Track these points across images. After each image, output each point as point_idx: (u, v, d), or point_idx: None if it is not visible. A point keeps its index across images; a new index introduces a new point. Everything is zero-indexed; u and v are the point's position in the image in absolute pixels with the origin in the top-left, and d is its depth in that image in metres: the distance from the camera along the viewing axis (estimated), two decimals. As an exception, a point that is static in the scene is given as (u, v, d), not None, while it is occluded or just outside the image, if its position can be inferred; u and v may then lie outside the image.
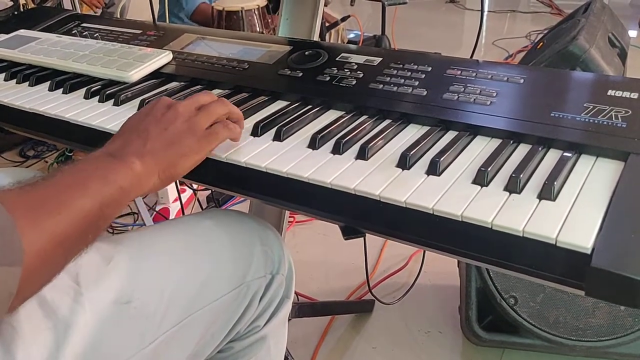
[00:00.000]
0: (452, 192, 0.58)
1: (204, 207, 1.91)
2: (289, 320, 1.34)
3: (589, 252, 0.48)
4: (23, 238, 0.46)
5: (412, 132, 0.71)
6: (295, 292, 1.50)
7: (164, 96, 0.72)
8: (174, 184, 1.74)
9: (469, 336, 1.31)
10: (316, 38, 1.08)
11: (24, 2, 1.92)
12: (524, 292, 1.19)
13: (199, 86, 0.89)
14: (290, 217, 1.86)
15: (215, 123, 0.67)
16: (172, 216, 1.91)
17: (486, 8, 4.41)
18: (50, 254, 0.50)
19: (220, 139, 0.67)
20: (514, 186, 0.56)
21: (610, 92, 0.68)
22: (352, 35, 2.92)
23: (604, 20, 1.35)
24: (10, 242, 0.45)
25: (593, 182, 0.57)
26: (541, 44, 1.44)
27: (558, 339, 1.20)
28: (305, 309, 1.38)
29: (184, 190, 1.95)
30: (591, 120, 0.64)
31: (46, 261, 0.49)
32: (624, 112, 0.64)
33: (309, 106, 0.79)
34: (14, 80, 0.98)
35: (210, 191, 1.97)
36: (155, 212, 1.91)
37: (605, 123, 0.63)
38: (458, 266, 1.38)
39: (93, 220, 0.54)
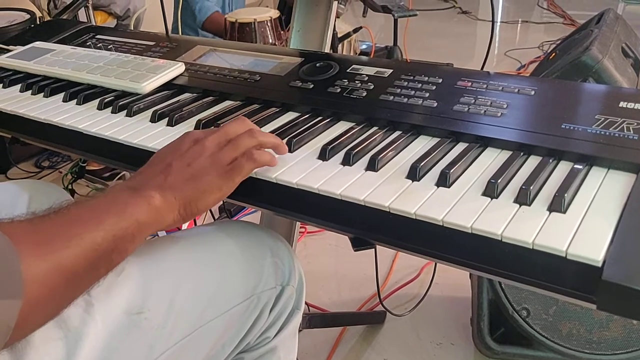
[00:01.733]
0: (462, 203, 0.57)
1: (216, 218, 1.92)
2: (300, 331, 1.34)
3: (599, 265, 0.48)
4: (27, 270, 0.46)
5: (422, 144, 0.71)
6: (306, 303, 1.51)
7: (194, 130, 0.70)
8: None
9: (480, 348, 1.30)
10: (327, 50, 1.08)
11: (41, 15, 1.95)
12: (536, 304, 1.18)
13: (210, 98, 0.90)
14: (301, 227, 1.86)
15: (240, 157, 0.65)
16: (184, 227, 1.92)
17: (499, 19, 4.40)
18: (56, 286, 0.49)
19: (244, 173, 0.65)
20: (524, 198, 0.56)
21: (622, 104, 0.68)
22: (364, 47, 2.93)
23: (617, 30, 1.34)
24: (11, 275, 0.45)
25: (604, 194, 0.56)
26: (554, 54, 1.43)
27: (571, 351, 1.18)
28: (316, 319, 1.38)
29: (196, 201, 1.96)
30: (602, 132, 0.64)
31: (51, 294, 0.49)
32: (635, 124, 0.64)
33: (320, 117, 0.79)
34: (30, 92, 0.99)
35: (222, 201, 1.97)
36: (167, 222, 1.91)
37: (616, 135, 0.63)
38: (470, 278, 1.37)
39: (105, 253, 0.54)
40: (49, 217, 0.53)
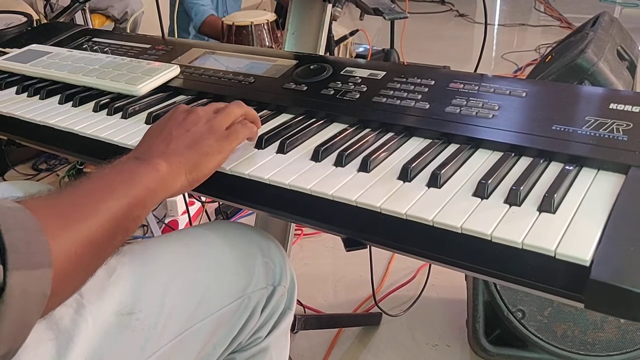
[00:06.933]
0: (453, 204, 0.58)
1: (211, 220, 1.92)
2: (295, 332, 1.35)
3: (588, 264, 0.48)
4: (53, 242, 0.46)
5: (414, 145, 0.71)
6: (302, 305, 1.51)
7: (182, 104, 0.74)
8: (182, 197, 1.75)
9: (476, 350, 1.31)
10: (322, 52, 1.09)
11: (38, 18, 1.95)
12: (531, 305, 1.18)
13: (205, 99, 0.90)
14: (298, 230, 1.86)
15: (234, 123, 0.70)
16: (181, 226, 1.92)
17: (496, 22, 4.42)
18: (81, 257, 0.50)
19: (241, 137, 0.70)
20: (514, 199, 0.57)
21: (612, 106, 0.68)
22: (361, 49, 2.93)
23: (613, 33, 1.34)
24: (38, 246, 0.45)
25: (593, 194, 0.57)
26: (550, 57, 1.44)
27: (566, 353, 1.18)
28: (311, 321, 1.38)
29: (193, 203, 1.96)
30: (592, 134, 0.64)
31: (78, 264, 0.50)
32: (625, 125, 0.65)
33: (313, 119, 0.79)
34: (26, 94, 1.00)
35: (218, 204, 1.98)
36: (164, 225, 1.92)
37: (606, 136, 0.64)
38: (466, 279, 1.38)
39: (121, 222, 0.55)
40: (65, 191, 0.54)
